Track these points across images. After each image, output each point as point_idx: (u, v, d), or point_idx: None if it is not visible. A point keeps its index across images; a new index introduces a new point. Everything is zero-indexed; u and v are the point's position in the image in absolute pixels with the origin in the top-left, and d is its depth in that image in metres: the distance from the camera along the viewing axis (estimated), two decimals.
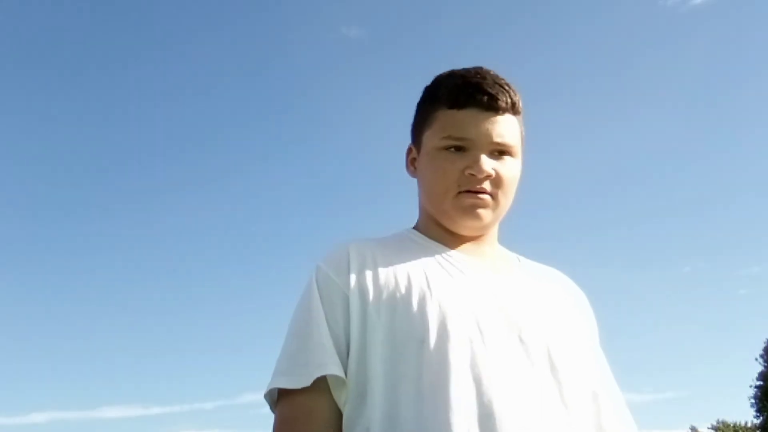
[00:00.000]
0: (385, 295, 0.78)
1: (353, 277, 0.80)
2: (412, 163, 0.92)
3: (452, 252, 0.85)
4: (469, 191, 0.83)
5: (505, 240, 0.92)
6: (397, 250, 0.85)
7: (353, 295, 0.78)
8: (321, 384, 0.74)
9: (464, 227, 0.85)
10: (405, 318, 0.76)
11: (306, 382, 0.74)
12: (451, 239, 0.87)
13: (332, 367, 0.74)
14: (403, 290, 0.78)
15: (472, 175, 0.82)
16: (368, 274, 0.80)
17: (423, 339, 0.74)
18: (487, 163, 0.82)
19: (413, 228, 0.92)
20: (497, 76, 0.85)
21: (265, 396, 0.78)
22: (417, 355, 0.73)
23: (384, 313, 0.77)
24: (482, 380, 0.72)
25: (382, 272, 0.81)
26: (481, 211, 0.83)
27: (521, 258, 0.93)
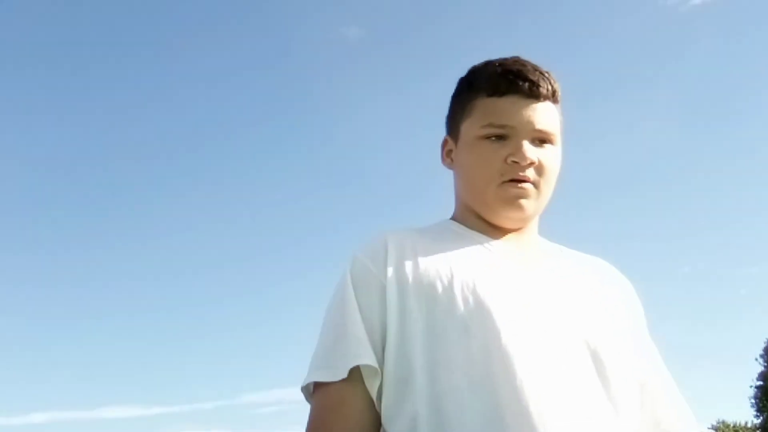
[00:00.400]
0: (425, 284, 0.76)
1: (391, 267, 0.78)
2: (448, 155, 0.89)
3: (494, 242, 0.83)
4: (512, 181, 0.81)
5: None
6: (437, 240, 0.83)
7: (391, 284, 0.77)
8: (354, 374, 0.74)
9: (506, 218, 0.83)
10: (446, 308, 0.74)
11: (341, 374, 0.73)
12: (491, 230, 0.84)
13: (366, 358, 0.74)
14: (444, 280, 0.76)
15: (516, 162, 0.80)
16: (407, 264, 0.78)
17: (466, 328, 0.73)
18: (531, 151, 0.80)
19: (451, 218, 0.90)
20: (536, 65, 0.84)
21: (302, 389, 0.78)
22: (460, 345, 0.72)
23: (424, 302, 0.75)
24: (528, 372, 0.70)
25: (422, 261, 0.79)
26: (524, 201, 0.81)
27: (563, 248, 0.90)
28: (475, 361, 0.71)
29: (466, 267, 0.78)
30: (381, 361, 0.75)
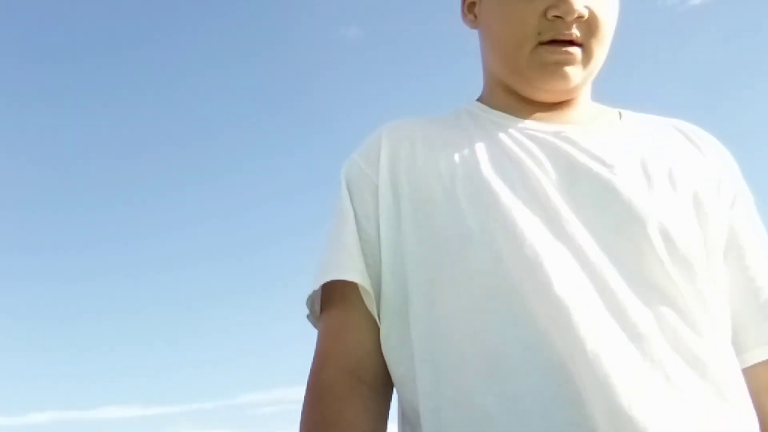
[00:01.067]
0: (422, 184, 0.62)
1: (384, 164, 0.64)
2: (470, 9, 0.70)
3: (524, 123, 0.65)
4: (553, 42, 0.62)
5: None
6: (448, 128, 0.66)
7: (383, 186, 0.63)
8: (352, 296, 0.62)
9: (544, 91, 0.65)
10: (446, 210, 0.60)
11: (316, 285, 0.63)
12: (523, 108, 0.66)
13: (347, 272, 0.61)
14: (445, 177, 0.61)
15: (558, 17, 0.61)
16: (402, 160, 0.64)
17: (468, 234, 0.58)
18: (578, 0, 0.61)
19: (477, 100, 0.71)
20: None
21: (308, 317, 0.67)
22: (461, 255, 0.57)
23: (421, 206, 0.61)
24: (551, 284, 0.53)
25: (421, 155, 0.64)
26: (569, 69, 0.62)
27: (624, 112, 0.70)
28: (480, 277, 0.56)
29: (476, 158, 0.61)
30: (381, 278, 0.62)
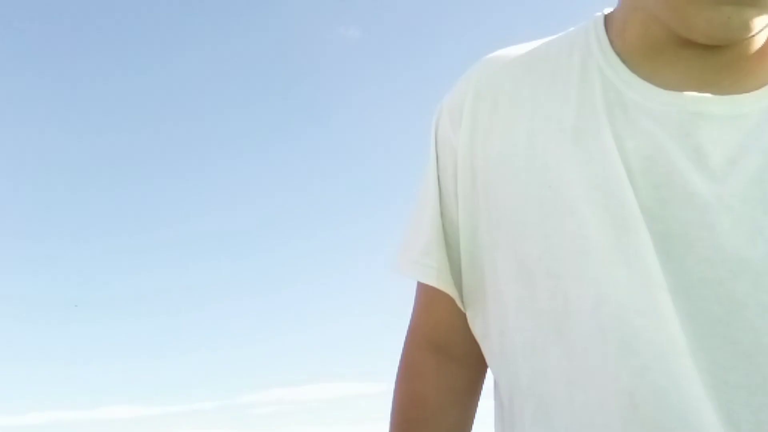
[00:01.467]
0: (494, 163, 0.49)
1: (465, 127, 0.51)
2: None
3: (652, 94, 0.46)
4: None
5: None
6: (546, 78, 0.50)
7: (462, 158, 0.51)
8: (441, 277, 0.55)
9: (706, 36, 0.44)
10: (514, 206, 0.48)
11: (394, 271, 0.58)
12: (668, 51, 0.47)
13: (427, 272, 0.54)
14: (520, 159, 0.48)
15: None
16: (481, 125, 0.51)
17: (560, 275, 0.45)
18: None
19: (604, 24, 0.52)
20: None
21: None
22: (553, 293, 0.45)
23: (492, 193, 0.49)
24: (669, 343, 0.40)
25: (500, 125, 0.50)
26: (748, 11, 0.42)
27: None
28: (578, 335, 0.44)
29: (563, 148, 0.47)
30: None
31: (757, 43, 0.46)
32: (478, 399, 0.61)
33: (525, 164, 0.48)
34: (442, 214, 0.54)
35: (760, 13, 0.43)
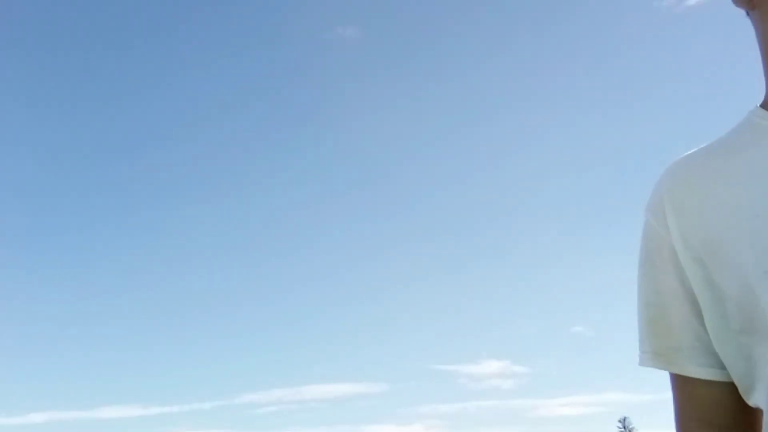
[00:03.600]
0: (709, 242, 0.52)
1: (673, 220, 0.55)
2: None
3: None
4: None
5: None
6: (732, 154, 0.54)
7: (679, 245, 0.55)
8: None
9: None
10: (741, 278, 0.50)
11: (648, 364, 0.61)
12: None
13: (684, 364, 0.58)
14: (730, 230, 0.51)
15: None
16: (688, 212, 0.54)
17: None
18: None
19: (760, 105, 0.57)
20: None
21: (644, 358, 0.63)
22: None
23: (718, 269, 0.52)
24: None
25: (705, 202, 0.53)
26: None
27: None
28: None
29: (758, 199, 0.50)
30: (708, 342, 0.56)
31: None
32: None
33: (734, 228, 0.51)
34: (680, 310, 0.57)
35: None
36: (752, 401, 0.55)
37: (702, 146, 0.58)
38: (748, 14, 0.57)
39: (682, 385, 0.60)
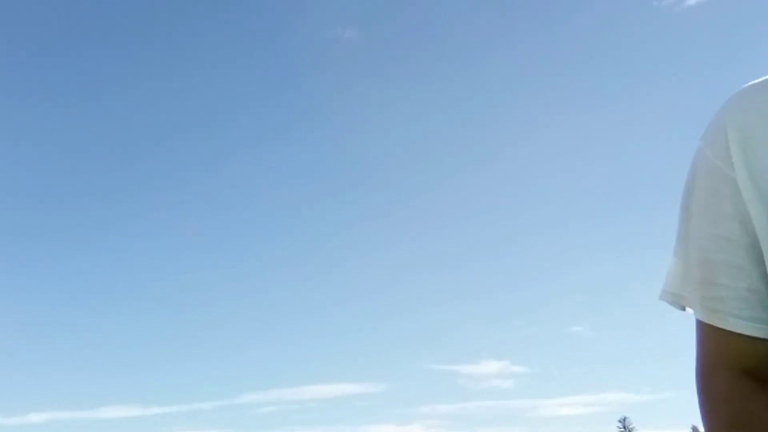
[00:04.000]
0: None
1: (737, 154, 0.51)
2: None
3: None
4: None
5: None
6: None
7: (744, 181, 0.50)
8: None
9: None
10: None
11: (680, 306, 0.56)
12: None
13: (727, 319, 0.52)
14: None
15: None
16: (759, 147, 0.50)
17: None
18: None
19: None
20: None
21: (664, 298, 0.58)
22: None
23: None
24: None
25: None
26: None
27: None
28: None
29: None
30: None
31: None
32: None
33: None
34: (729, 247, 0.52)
35: None
36: None
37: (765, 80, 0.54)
38: None
39: (720, 336, 0.54)
